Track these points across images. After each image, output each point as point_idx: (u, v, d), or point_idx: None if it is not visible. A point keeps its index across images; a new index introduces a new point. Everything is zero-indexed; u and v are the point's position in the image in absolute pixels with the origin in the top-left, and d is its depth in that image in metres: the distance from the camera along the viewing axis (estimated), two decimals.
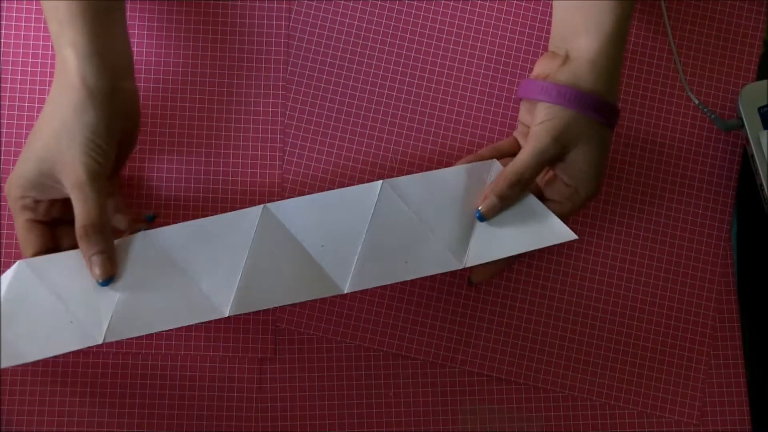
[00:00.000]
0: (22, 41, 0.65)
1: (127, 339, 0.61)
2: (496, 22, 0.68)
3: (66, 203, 0.56)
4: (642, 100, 0.68)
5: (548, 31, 0.68)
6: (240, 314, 0.56)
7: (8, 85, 0.65)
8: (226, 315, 0.55)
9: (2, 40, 0.65)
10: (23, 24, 0.65)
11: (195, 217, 0.64)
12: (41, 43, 0.65)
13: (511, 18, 0.68)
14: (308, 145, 0.66)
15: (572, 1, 0.58)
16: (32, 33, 0.65)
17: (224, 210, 0.65)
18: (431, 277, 0.65)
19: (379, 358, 0.65)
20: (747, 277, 0.67)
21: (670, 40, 0.66)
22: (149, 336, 0.63)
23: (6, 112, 0.65)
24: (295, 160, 0.66)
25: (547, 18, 0.68)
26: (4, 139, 0.64)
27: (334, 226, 0.58)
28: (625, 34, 0.58)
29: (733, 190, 0.68)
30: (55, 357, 0.61)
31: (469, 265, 0.58)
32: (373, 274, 0.57)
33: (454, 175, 0.59)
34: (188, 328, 0.63)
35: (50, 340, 0.55)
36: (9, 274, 0.56)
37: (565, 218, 0.59)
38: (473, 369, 0.65)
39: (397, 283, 0.65)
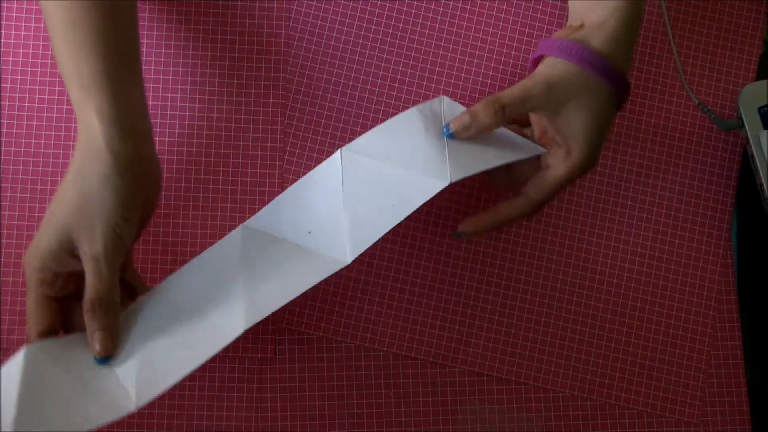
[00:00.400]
0: (22, 41, 0.65)
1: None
2: (496, 21, 0.68)
3: (82, 278, 0.54)
4: (642, 99, 0.68)
5: (548, 31, 0.68)
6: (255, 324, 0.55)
7: (8, 85, 0.65)
8: (242, 331, 0.55)
9: (2, 40, 0.65)
10: (23, 24, 0.65)
11: (195, 216, 0.65)
12: (41, 43, 0.65)
13: (511, 18, 0.68)
14: (308, 144, 0.66)
15: None
16: (32, 33, 0.65)
17: (224, 209, 0.65)
18: (431, 276, 0.65)
19: (379, 358, 0.65)
20: (747, 277, 0.67)
21: (670, 40, 0.66)
22: None
23: (6, 112, 0.65)
24: (295, 159, 0.66)
25: (547, 17, 0.68)
26: (4, 139, 0.64)
27: (313, 210, 0.58)
28: (638, 11, 0.57)
29: (733, 190, 0.68)
30: None
31: (454, 179, 0.56)
32: (368, 232, 0.57)
33: (408, 119, 0.59)
34: None
35: (81, 418, 0.53)
36: (18, 361, 0.53)
37: (558, 185, 0.58)
38: (473, 369, 0.65)
39: (397, 283, 0.65)
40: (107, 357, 0.55)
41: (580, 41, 0.56)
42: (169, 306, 0.57)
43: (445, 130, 0.58)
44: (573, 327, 0.66)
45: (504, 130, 0.59)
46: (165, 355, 0.55)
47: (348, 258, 0.56)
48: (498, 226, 0.61)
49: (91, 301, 0.53)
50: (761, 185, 0.65)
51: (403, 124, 0.58)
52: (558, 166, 0.58)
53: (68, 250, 0.53)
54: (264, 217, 0.59)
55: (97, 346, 0.54)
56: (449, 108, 0.59)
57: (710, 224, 0.67)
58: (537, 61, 0.59)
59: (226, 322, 0.55)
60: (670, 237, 0.67)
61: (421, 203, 0.56)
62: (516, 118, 0.61)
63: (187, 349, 0.55)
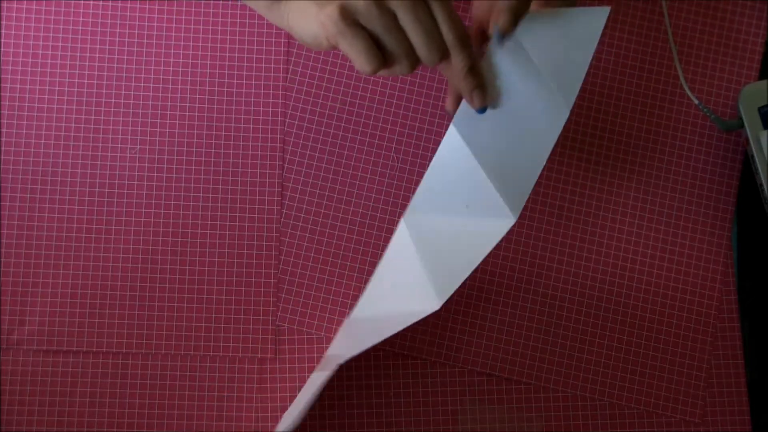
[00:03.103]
0: (22, 41, 0.65)
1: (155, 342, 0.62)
2: None
3: None
4: (643, 99, 0.68)
5: None
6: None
7: (8, 85, 0.65)
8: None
9: (2, 40, 0.65)
10: (23, 24, 0.65)
11: (195, 215, 0.65)
12: (41, 43, 0.65)
13: None
14: (310, 144, 0.66)
15: None
16: (32, 33, 0.65)
17: (224, 210, 0.65)
18: None
19: (379, 358, 0.65)
20: (747, 277, 0.67)
21: (670, 40, 0.66)
22: (149, 336, 0.63)
23: (6, 112, 0.65)
24: (297, 159, 0.66)
25: None
26: (4, 139, 0.64)
27: (459, 184, 0.59)
28: None
29: (735, 189, 0.68)
30: (58, 350, 0.62)
31: (571, 107, 0.58)
32: (519, 185, 0.58)
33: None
34: (188, 328, 0.64)
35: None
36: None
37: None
38: (474, 368, 0.65)
39: None
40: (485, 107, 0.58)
41: None
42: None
43: (495, 31, 0.58)
44: (574, 326, 0.65)
45: (556, 13, 0.59)
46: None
47: (512, 218, 0.57)
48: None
49: (472, 65, 0.54)
50: (761, 185, 0.65)
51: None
52: None
53: None
54: (419, 205, 0.60)
55: (477, 101, 0.57)
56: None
57: (710, 224, 0.67)
58: None
59: (420, 303, 0.58)
60: (671, 237, 0.67)
61: (556, 140, 0.58)
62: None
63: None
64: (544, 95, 0.58)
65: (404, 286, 0.59)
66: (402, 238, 0.60)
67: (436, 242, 0.59)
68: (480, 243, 0.58)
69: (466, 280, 0.65)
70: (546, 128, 0.58)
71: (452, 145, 0.59)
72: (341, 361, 0.57)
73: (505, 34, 0.57)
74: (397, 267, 0.60)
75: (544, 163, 0.58)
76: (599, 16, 0.59)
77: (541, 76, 0.59)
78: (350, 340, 0.60)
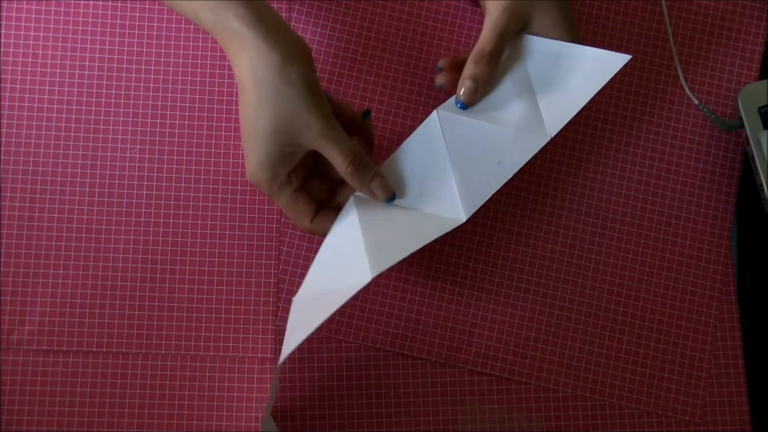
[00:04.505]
0: (22, 41, 0.65)
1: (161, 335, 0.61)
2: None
3: (306, 160, 0.58)
4: (643, 99, 0.68)
5: None
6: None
7: (8, 85, 0.65)
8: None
9: (2, 40, 0.65)
10: (23, 24, 0.65)
11: (195, 215, 0.65)
12: (41, 43, 0.65)
13: None
14: None
15: None
16: (32, 33, 0.65)
17: (224, 209, 0.65)
18: (433, 276, 0.65)
19: (379, 358, 0.65)
20: (747, 277, 0.67)
21: (670, 40, 0.66)
22: (149, 336, 0.63)
23: (6, 112, 0.65)
24: None
25: None
26: (4, 139, 0.64)
27: (421, 172, 0.59)
28: None
29: (735, 189, 0.68)
30: (58, 350, 0.61)
31: (554, 134, 0.58)
32: (479, 189, 0.58)
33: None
34: (188, 328, 0.63)
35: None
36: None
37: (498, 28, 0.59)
38: (474, 368, 0.65)
39: (398, 282, 0.65)
40: (392, 196, 0.59)
41: None
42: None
43: (458, 102, 0.59)
44: (575, 326, 0.65)
45: (572, 49, 0.60)
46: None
47: (462, 216, 0.57)
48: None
49: (352, 163, 0.57)
50: (761, 185, 0.65)
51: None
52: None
53: (288, 147, 0.56)
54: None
55: (380, 194, 0.58)
56: (528, 44, 0.60)
57: (710, 224, 0.67)
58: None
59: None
60: (671, 237, 0.67)
61: (527, 160, 0.58)
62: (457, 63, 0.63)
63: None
64: (530, 118, 0.59)
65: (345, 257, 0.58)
66: (348, 213, 0.59)
67: (384, 224, 0.59)
68: (426, 231, 0.58)
69: (466, 280, 0.65)
70: (521, 148, 0.59)
71: (428, 131, 0.59)
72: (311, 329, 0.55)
73: (468, 106, 0.60)
74: (342, 238, 0.59)
75: (508, 178, 0.58)
76: (615, 63, 0.59)
77: (533, 100, 0.60)
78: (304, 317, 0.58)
